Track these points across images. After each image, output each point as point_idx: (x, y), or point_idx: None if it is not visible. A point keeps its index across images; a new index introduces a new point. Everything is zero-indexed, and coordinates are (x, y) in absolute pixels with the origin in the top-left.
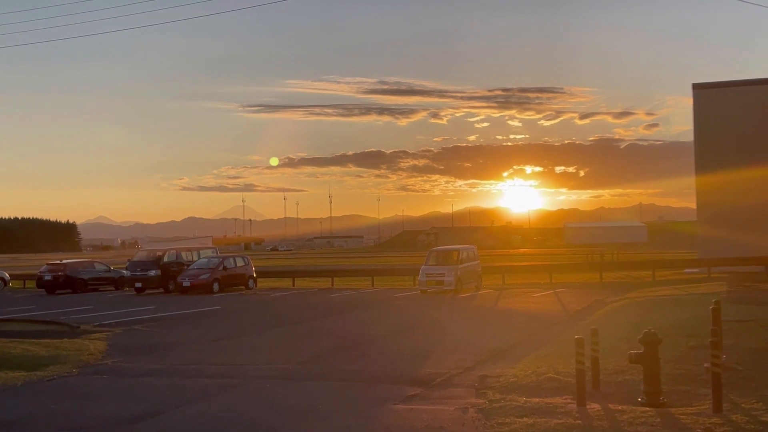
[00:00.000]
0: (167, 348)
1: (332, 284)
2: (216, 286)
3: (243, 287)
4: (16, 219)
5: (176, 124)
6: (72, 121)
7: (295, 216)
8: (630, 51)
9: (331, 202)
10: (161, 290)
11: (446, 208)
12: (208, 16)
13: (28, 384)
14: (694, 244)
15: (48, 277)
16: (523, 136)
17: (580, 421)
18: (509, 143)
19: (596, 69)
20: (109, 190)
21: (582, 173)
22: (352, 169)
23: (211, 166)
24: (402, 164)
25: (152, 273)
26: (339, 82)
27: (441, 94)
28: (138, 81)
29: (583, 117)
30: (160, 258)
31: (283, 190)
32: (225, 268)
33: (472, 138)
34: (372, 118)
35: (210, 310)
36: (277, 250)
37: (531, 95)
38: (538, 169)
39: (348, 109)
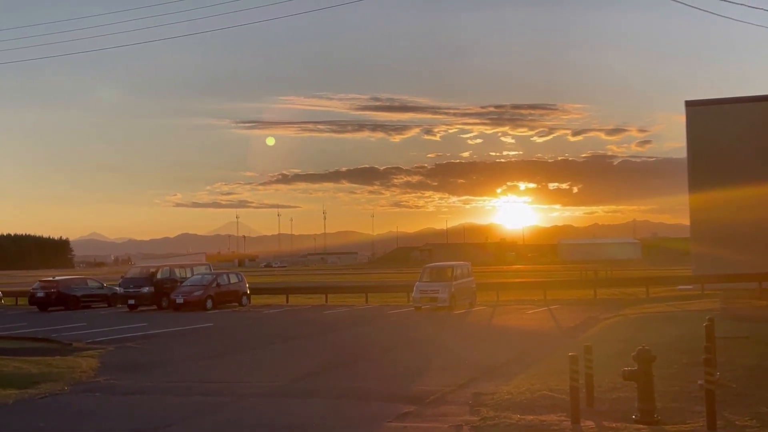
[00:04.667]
0: (159, 365)
1: (326, 301)
2: (209, 303)
3: (236, 304)
4: (8, 235)
5: (169, 141)
6: (65, 138)
7: (289, 232)
8: (622, 68)
9: (325, 219)
10: (154, 307)
11: (440, 225)
12: (200, 33)
13: (20, 402)
14: (688, 260)
15: (40, 294)
16: (516, 152)
17: None
18: (502, 160)
19: (588, 86)
20: (102, 206)
21: (575, 190)
22: (346, 185)
23: (205, 183)
24: (395, 180)
25: (145, 290)
26: (332, 99)
27: (434, 110)
28: (130, 97)
29: (575, 133)
30: (154, 275)
31: (277, 206)
32: (218, 285)
33: (465, 154)
34: (365, 135)
35: (203, 327)
36: (271, 266)
37: (524, 112)
38: (531, 185)
39: (341, 125)
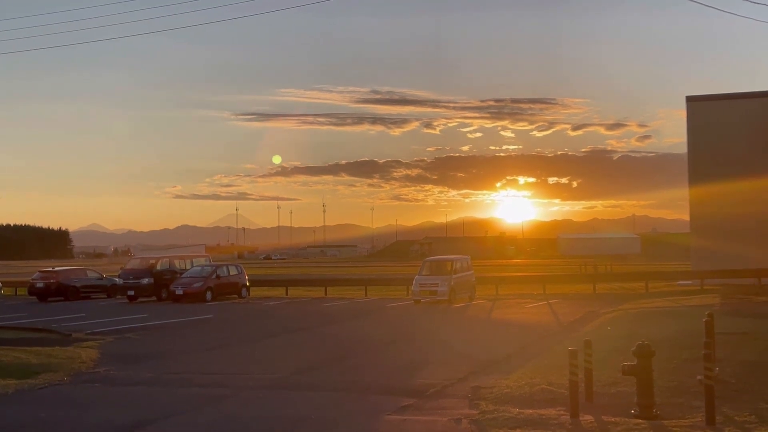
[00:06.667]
0: (159, 357)
1: (325, 293)
2: (209, 295)
3: (236, 296)
4: (8, 226)
5: (169, 132)
6: (65, 128)
7: (289, 225)
8: (622, 63)
9: (324, 211)
10: (154, 298)
11: (440, 218)
12: (200, 25)
13: (20, 392)
14: (687, 255)
15: (40, 285)
16: (516, 146)
17: None
18: (502, 154)
19: (588, 80)
20: (102, 197)
21: (575, 184)
22: (345, 178)
23: (204, 174)
24: (395, 174)
25: (145, 281)
26: (332, 92)
27: (434, 104)
28: (130, 89)
29: (575, 128)
30: (153, 266)
31: (277, 198)
32: (218, 277)
33: (465, 148)
34: (365, 128)
35: (202, 319)
36: (271, 258)
37: (524, 106)
38: (531, 179)
39: (341, 118)
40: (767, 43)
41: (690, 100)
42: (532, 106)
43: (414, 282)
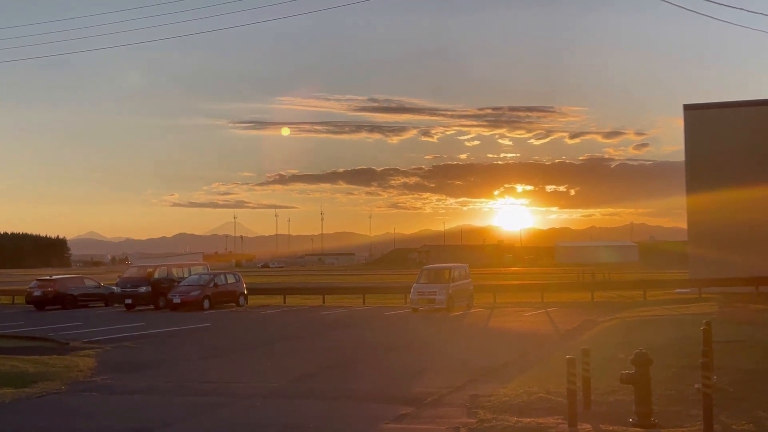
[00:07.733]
0: (157, 365)
1: (323, 302)
2: (206, 303)
3: (234, 304)
4: (5, 234)
5: (166, 140)
6: (62, 136)
7: (287, 233)
8: (619, 71)
9: (322, 220)
10: (151, 307)
11: (438, 226)
12: (198, 34)
13: (17, 401)
14: (685, 264)
15: (37, 293)
16: (513, 154)
17: None
18: (500, 162)
19: (586, 89)
20: (100, 205)
21: (573, 192)
22: (343, 186)
23: (202, 182)
24: (393, 182)
25: (142, 289)
26: (329, 100)
27: (431, 112)
28: (127, 97)
29: (573, 136)
30: (151, 274)
31: (274, 206)
32: (216, 285)
33: (463, 156)
34: (362, 136)
35: (200, 327)
36: (268, 267)
37: (521, 114)
38: (529, 187)
39: (338, 126)
40: (765, 51)
41: (687, 108)
42: (530, 114)
43: (412, 290)
